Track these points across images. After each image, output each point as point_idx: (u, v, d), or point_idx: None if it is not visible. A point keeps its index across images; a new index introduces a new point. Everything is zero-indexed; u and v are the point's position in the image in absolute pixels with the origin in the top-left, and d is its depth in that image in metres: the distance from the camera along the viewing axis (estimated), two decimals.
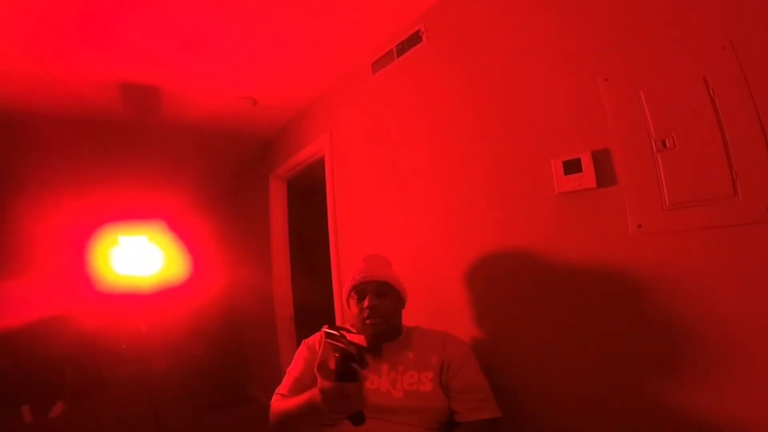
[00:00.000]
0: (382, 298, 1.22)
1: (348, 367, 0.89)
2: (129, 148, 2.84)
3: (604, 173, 1.16)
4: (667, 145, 1.04)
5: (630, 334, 1.15)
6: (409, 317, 1.35)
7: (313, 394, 0.97)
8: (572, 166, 1.21)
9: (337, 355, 0.92)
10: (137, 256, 2.68)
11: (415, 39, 1.73)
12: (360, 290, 1.24)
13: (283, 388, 1.23)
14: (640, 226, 1.11)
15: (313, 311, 2.33)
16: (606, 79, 1.14)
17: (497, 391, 1.29)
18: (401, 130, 1.86)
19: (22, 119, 2.25)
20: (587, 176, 1.18)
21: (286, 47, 1.89)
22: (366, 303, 1.20)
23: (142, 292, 2.79)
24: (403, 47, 1.78)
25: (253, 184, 3.58)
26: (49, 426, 3.21)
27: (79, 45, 1.70)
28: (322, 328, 1.16)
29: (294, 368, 1.25)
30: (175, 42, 1.76)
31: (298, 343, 1.33)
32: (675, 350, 1.06)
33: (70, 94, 2.11)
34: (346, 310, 1.61)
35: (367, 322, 1.17)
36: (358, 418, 0.92)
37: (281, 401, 1.17)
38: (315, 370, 0.93)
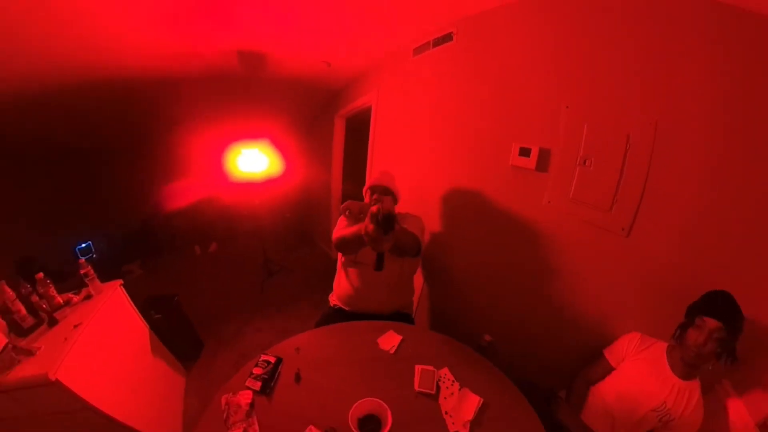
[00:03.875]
0: (385, 195, 1.35)
1: (387, 219, 0.81)
2: (247, 96, 2.84)
3: (542, 163, 1.21)
4: (586, 164, 1.08)
5: (523, 261, 1.32)
6: (404, 209, 1.49)
7: (360, 227, 0.93)
8: (525, 151, 1.24)
9: (376, 211, 0.83)
10: (253, 161, 2.83)
11: (448, 38, 1.66)
12: (373, 188, 1.36)
13: (340, 227, 1.29)
14: (549, 202, 1.21)
15: (352, 197, 2.25)
16: (567, 107, 1.13)
17: (441, 261, 1.55)
18: (425, 99, 1.85)
19: (176, 82, 2.29)
20: (531, 161, 1.23)
21: (353, 28, 1.80)
22: (375, 196, 1.35)
23: (256, 182, 2.96)
24: (438, 42, 1.72)
25: (325, 119, 3.56)
26: (209, 256, 3.74)
27: (208, 26, 1.68)
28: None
29: (342, 220, 1.35)
30: (276, 20, 1.69)
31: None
32: (542, 280, 1.24)
33: (205, 62, 2.11)
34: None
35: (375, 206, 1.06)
36: (380, 260, 0.87)
37: (341, 231, 1.20)
38: (368, 212, 0.86)
